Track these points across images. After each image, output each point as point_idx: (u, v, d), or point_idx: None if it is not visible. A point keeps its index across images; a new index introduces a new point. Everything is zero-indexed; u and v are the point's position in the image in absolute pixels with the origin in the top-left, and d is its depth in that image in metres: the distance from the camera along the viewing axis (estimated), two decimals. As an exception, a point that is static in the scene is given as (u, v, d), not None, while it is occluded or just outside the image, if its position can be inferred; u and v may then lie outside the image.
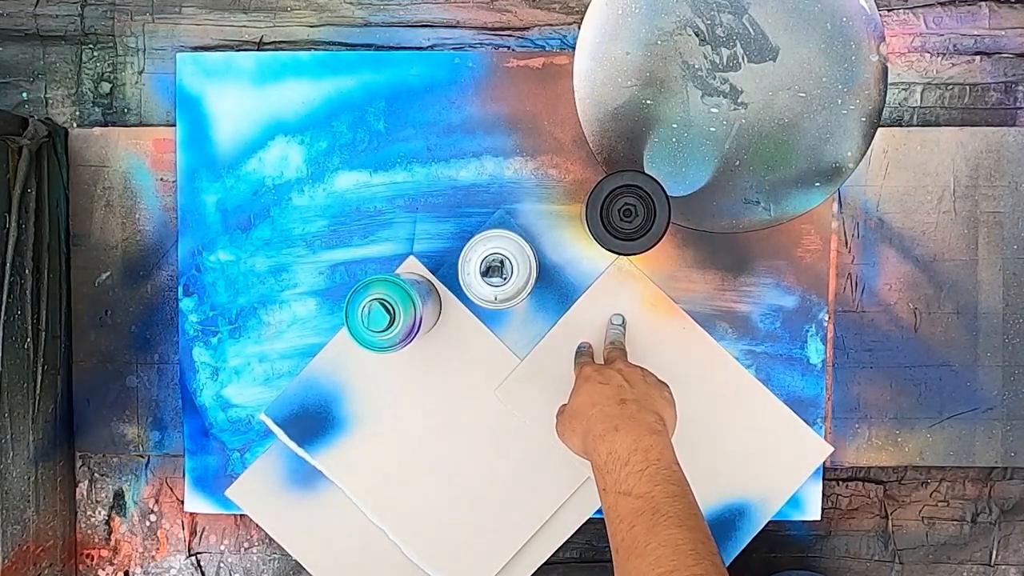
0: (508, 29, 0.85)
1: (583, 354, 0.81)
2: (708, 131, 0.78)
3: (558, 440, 0.73)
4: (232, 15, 0.85)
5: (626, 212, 0.73)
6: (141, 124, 0.86)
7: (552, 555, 0.85)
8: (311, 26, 0.85)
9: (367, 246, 0.84)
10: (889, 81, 0.80)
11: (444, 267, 0.84)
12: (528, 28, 0.85)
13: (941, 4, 0.85)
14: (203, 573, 0.88)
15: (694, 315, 0.84)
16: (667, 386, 0.73)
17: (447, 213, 0.84)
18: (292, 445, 0.84)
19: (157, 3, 0.85)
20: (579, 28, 0.78)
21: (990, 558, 0.88)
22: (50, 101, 0.86)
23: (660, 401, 0.70)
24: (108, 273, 0.86)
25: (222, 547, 0.88)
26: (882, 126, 0.82)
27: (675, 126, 0.78)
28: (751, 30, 0.77)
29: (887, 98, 0.79)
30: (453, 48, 0.85)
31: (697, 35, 0.77)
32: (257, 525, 0.85)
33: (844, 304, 0.85)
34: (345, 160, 0.84)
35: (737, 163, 0.78)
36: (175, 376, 0.86)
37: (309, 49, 0.85)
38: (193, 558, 0.88)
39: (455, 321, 0.84)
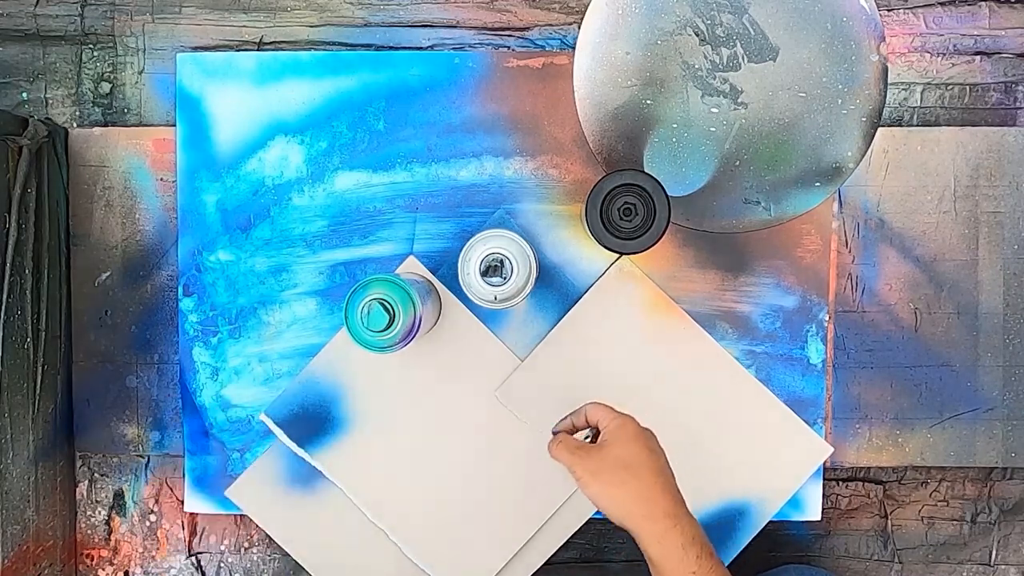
0: (508, 29, 0.85)
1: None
2: (708, 131, 0.78)
3: (576, 484, 0.67)
4: (232, 15, 0.85)
5: (626, 211, 0.73)
6: (141, 124, 0.86)
7: (552, 555, 0.85)
8: (311, 26, 0.85)
9: (367, 246, 0.84)
10: (889, 81, 0.80)
11: (444, 267, 0.84)
12: (528, 28, 0.85)
13: (941, 4, 0.85)
14: (203, 573, 0.88)
15: (694, 315, 0.84)
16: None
17: (447, 213, 0.84)
18: (292, 445, 0.84)
19: (157, 3, 0.85)
20: (579, 28, 0.78)
21: (990, 558, 0.88)
22: (50, 101, 0.86)
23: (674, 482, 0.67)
24: (108, 273, 0.86)
25: (222, 547, 0.88)
26: (882, 126, 0.82)
27: (675, 126, 0.78)
28: (751, 30, 0.77)
29: (887, 98, 0.79)
30: (453, 48, 0.85)
31: (697, 35, 0.77)
32: (257, 525, 0.85)
33: (844, 304, 0.85)
34: (345, 160, 0.84)
35: (737, 163, 0.78)
36: (175, 376, 0.86)
37: (309, 49, 0.85)
38: (193, 558, 0.88)
39: (455, 321, 0.84)
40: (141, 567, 0.88)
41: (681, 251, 0.84)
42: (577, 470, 0.66)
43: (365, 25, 0.85)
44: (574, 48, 0.78)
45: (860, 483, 0.87)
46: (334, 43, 0.85)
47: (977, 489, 0.87)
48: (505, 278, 0.75)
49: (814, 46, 0.77)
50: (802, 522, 0.87)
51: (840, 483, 0.87)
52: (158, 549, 0.88)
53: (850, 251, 0.85)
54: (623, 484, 0.63)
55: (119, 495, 0.88)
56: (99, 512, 0.88)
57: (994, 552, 0.88)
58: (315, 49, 0.85)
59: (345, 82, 0.84)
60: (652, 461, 0.65)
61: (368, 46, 0.85)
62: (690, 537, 0.62)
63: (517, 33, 0.85)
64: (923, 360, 0.86)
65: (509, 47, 0.85)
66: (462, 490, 0.84)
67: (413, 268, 0.84)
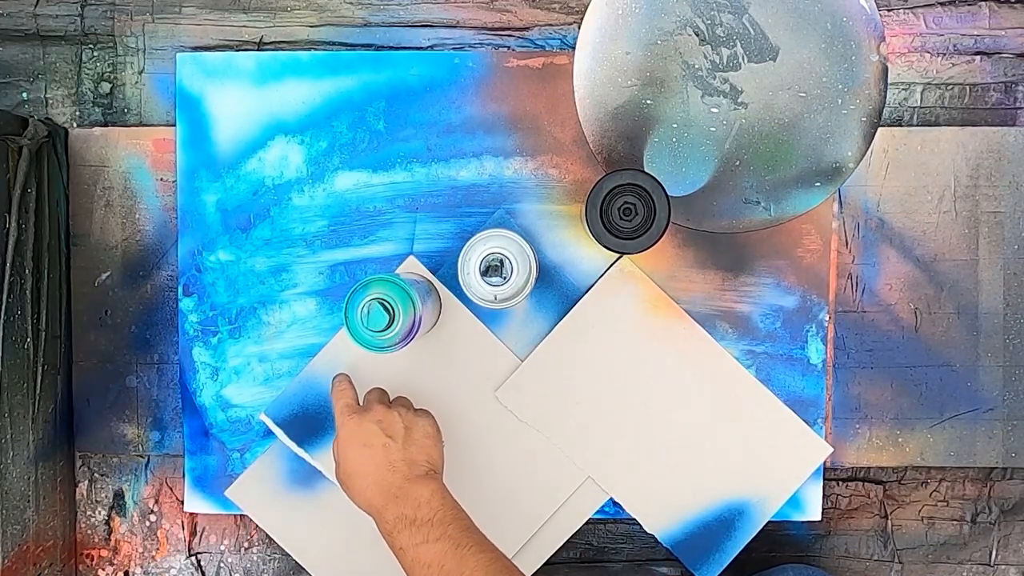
0: (508, 29, 0.85)
1: (340, 389, 0.78)
2: (708, 131, 0.78)
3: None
4: (232, 15, 0.85)
5: (626, 211, 0.73)
6: (141, 124, 0.86)
7: (552, 555, 0.85)
8: (311, 26, 0.85)
9: (367, 246, 0.84)
10: (889, 81, 0.80)
11: (444, 267, 0.84)
12: (528, 28, 0.85)
13: (941, 4, 0.85)
14: (203, 573, 0.88)
15: (694, 315, 0.84)
16: (427, 414, 0.76)
17: (447, 213, 0.84)
18: (292, 445, 0.84)
19: (157, 3, 0.85)
20: (579, 28, 0.78)
21: (990, 558, 0.88)
22: (50, 101, 0.86)
23: (424, 441, 0.73)
24: (108, 273, 0.86)
25: (222, 547, 0.88)
26: (882, 126, 0.82)
27: (675, 126, 0.78)
28: (751, 30, 0.77)
29: (887, 98, 0.79)
30: (453, 48, 0.85)
31: (697, 35, 0.77)
32: (257, 525, 0.85)
33: (844, 304, 0.85)
34: (345, 160, 0.84)
35: (737, 163, 0.78)
36: (175, 376, 0.86)
37: (309, 49, 0.85)
38: (193, 558, 0.88)
39: (455, 321, 0.84)
40: (141, 567, 0.88)
41: (681, 251, 0.84)
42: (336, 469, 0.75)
43: (365, 25, 0.85)
44: (574, 48, 0.78)
45: (860, 483, 0.87)
46: (334, 43, 0.85)
47: (977, 489, 0.87)
48: (505, 278, 0.75)
49: (814, 46, 0.77)
50: (802, 522, 0.87)
51: (840, 483, 0.87)
52: (158, 549, 0.88)
53: (850, 251, 0.85)
54: (353, 497, 0.73)
55: (119, 495, 0.88)
56: (99, 512, 0.88)
57: (994, 552, 0.88)
58: (315, 49, 0.85)
59: (345, 82, 0.84)
60: (363, 483, 0.71)
61: (368, 46, 0.85)
62: (393, 518, 0.68)
63: (517, 33, 0.85)
64: (923, 360, 0.86)
65: (509, 47, 0.85)
66: (461, 490, 0.84)
67: (413, 268, 0.84)
